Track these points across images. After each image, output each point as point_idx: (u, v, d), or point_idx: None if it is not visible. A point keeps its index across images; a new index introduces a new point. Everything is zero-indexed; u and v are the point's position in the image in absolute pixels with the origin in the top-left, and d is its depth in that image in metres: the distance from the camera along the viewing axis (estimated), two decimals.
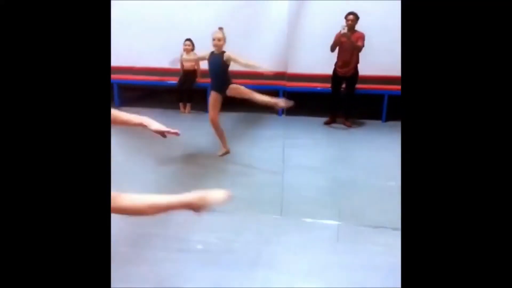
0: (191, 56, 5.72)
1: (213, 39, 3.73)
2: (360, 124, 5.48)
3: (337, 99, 5.41)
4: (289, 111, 5.64)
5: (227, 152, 3.99)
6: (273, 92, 5.84)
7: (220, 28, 3.78)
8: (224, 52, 3.74)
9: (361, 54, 5.12)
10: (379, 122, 5.53)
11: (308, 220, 2.69)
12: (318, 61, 5.54)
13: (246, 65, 3.79)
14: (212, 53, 3.81)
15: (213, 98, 3.88)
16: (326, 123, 5.45)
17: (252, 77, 5.32)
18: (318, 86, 5.83)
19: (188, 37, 5.80)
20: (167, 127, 1.60)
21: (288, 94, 5.63)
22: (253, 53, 5.70)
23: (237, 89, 3.79)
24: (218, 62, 3.76)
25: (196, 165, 3.86)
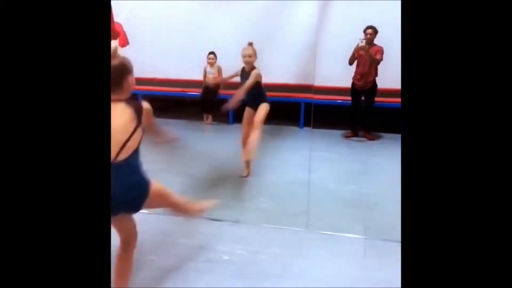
0: (215, 69, 5.84)
1: (243, 56, 3.56)
2: (380, 138, 5.45)
3: (356, 112, 5.42)
4: (308, 124, 5.67)
5: (248, 175, 3.87)
6: (296, 104, 5.90)
7: (250, 44, 3.61)
8: (254, 68, 3.57)
9: (381, 68, 5.13)
10: (399, 135, 5.48)
11: (334, 234, 2.68)
12: (340, 74, 5.56)
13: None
14: (243, 69, 3.65)
15: (246, 114, 3.75)
16: (347, 136, 5.44)
17: (278, 90, 5.37)
18: (339, 99, 5.84)
19: (211, 48, 5.89)
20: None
21: (309, 106, 5.68)
22: (279, 65, 5.76)
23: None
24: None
25: (218, 175, 3.89)
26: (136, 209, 1.77)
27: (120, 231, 1.86)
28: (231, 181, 3.72)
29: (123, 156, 1.61)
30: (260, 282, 2.16)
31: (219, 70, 5.89)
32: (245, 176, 3.86)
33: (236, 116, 5.90)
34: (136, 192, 1.70)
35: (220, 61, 5.86)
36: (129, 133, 1.62)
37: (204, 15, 6.10)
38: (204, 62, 5.90)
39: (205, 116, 6.12)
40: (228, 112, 6.06)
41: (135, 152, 1.67)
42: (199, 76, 6.03)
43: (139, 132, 1.66)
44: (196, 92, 6.16)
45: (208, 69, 5.88)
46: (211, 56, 5.84)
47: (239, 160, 3.98)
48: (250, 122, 3.73)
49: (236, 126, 5.92)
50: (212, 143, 5.11)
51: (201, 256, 2.41)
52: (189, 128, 5.82)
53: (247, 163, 3.88)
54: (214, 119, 6.12)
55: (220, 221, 2.85)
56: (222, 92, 5.98)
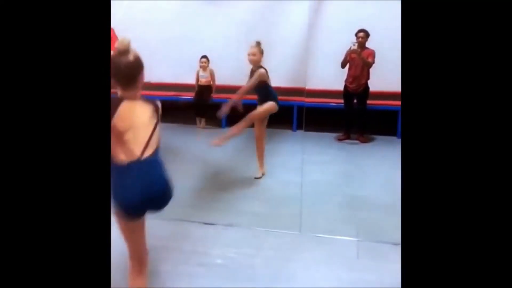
0: (208, 73, 5.84)
1: (248, 55, 3.56)
2: (373, 140, 5.48)
3: (349, 115, 5.45)
4: (301, 127, 5.68)
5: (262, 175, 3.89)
6: (288, 108, 5.90)
7: (258, 43, 3.58)
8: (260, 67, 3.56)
9: (373, 71, 5.17)
10: (393, 138, 5.52)
11: (327, 236, 2.69)
12: (332, 77, 5.58)
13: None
14: (251, 69, 3.65)
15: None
16: (340, 139, 5.46)
17: None
18: (331, 102, 5.86)
19: (203, 52, 5.88)
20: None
21: (301, 109, 5.69)
22: (271, 68, 5.77)
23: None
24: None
25: (213, 179, 3.89)
26: (164, 204, 1.68)
27: (131, 242, 1.69)
28: (225, 184, 3.72)
29: (149, 152, 1.57)
30: (253, 285, 2.15)
31: (212, 74, 5.90)
32: (259, 177, 3.84)
33: (229, 120, 5.91)
34: (166, 186, 1.64)
35: (212, 65, 5.86)
36: (151, 129, 1.58)
37: (196, 18, 6.09)
38: (196, 65, 5.90)
39: (198, 120, 6.11)
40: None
41: (159, 148, 1.62)
42: (191, 80, 6.03)
43: (158, 128, 1.62)
44: (189, 96, 6.15)
45: (201, 73, 5.89)
46: (204, 60, 5.85)
47: (234, 162, 3.99)
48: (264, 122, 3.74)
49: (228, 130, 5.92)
50: (205, 147, 5.09)
51: (194, 260, 2.40)
52: (182, 132, 5.80)
53: (261, 163, 3.85)
54: (207, 123, 6.11)
55: (214, 225, 2.84)
56: (215, 96, 5.98)
